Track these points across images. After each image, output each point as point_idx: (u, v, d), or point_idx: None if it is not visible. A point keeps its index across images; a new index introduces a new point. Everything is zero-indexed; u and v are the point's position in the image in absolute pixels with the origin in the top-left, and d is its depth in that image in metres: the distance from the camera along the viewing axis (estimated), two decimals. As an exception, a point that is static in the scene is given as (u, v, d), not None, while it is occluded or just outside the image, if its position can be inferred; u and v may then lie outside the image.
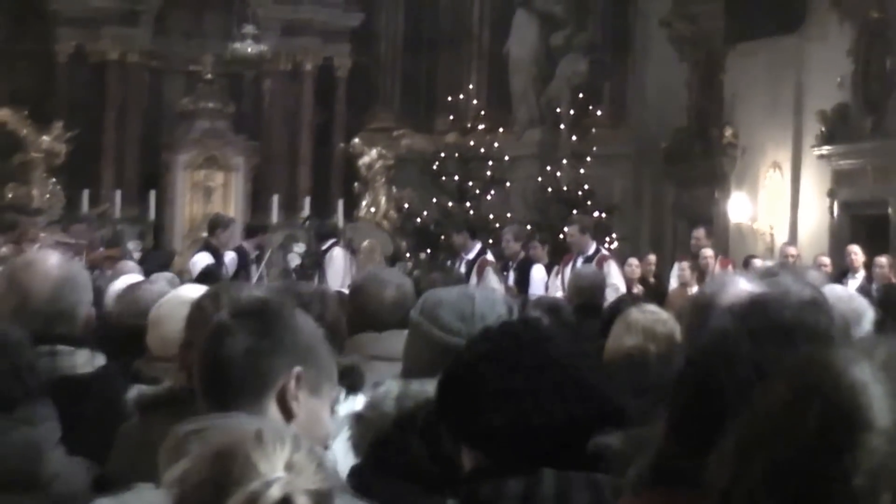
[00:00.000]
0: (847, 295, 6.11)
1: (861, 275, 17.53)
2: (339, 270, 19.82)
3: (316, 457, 2.56)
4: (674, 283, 19.32)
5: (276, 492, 2.39)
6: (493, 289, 6.70)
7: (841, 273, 17.43)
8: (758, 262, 18.13)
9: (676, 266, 19.81)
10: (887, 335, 1.66)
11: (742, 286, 4.85)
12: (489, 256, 19.36)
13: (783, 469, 1.51)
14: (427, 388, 4.14)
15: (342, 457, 4.32)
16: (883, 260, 18.10)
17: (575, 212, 22.43)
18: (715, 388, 2.79)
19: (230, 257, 19.12)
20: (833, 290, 5.76)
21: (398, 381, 4.28)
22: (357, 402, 4.61)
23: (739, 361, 2.80)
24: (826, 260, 18.88)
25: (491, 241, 21.29)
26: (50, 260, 5.63)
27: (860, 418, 1.49)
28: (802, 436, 1.51)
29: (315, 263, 21.21)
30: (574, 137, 27.11)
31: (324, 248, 20.73)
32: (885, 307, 9.19)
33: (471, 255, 19.14)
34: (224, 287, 5.10)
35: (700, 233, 20.30)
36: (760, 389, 1.62)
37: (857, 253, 18.45)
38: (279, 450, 2.48)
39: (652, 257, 21.01)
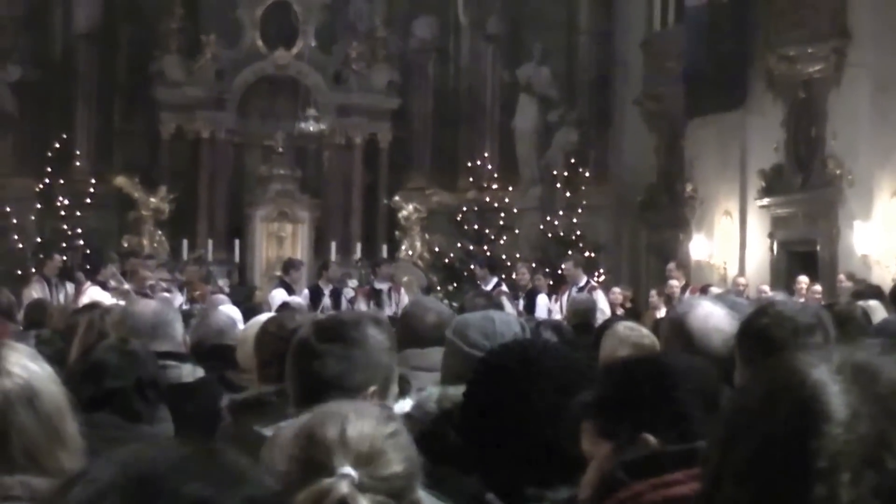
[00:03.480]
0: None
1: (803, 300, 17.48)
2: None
3: (393, 447, 2.43)
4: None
5: (341, 489, 2.26)
6: (508, 312, 6.67)
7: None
8: (713, 290, 18.11)
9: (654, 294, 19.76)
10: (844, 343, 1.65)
11: (706, 307, 4.88)
12: (503, 287, 19.33)
13: (760, 454, 1.49)
14: (461, 392, 4.13)
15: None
16: (817, 287, 18.10)
17: (570, 252, 22.40)
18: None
19: (304, 294, 19.07)
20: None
21: (438, 387, 4.26)
22: (405, 404, 4.59)
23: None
24: (766, 287, 18.82)
25: (503, 276, 21.24)
26: (151, 298, 5.67)
27: (821, 412, 1.48)
28: (775, 427, 1.50)
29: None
30: (567, 193, 27.16)
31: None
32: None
33: (489, 287, 19.09)
34: (286, 315, 5.11)
35: (672, 265, 20.29)
36: (741, 388, 1.61)
37: (803, 282, 18.36)
38: (354, 443, 2.36)
39: (628, 292, 20.66)
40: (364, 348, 3.45)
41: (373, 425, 2.41)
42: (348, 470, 2.30)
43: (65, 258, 22.76)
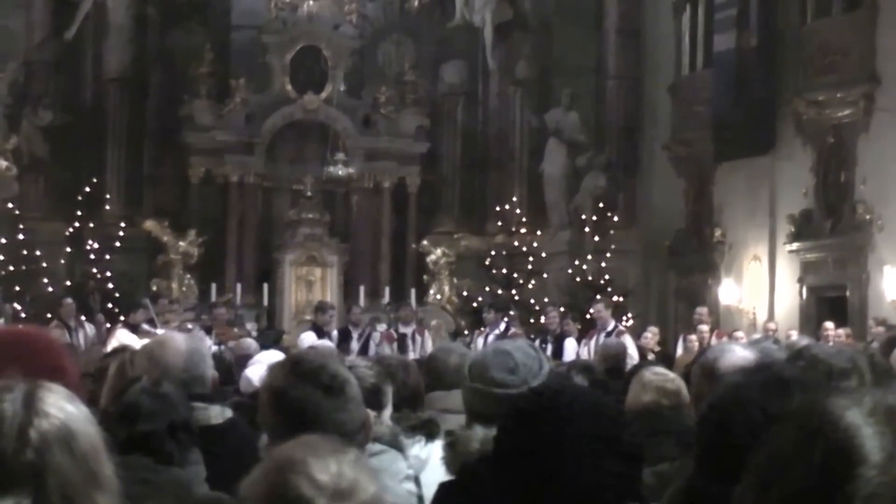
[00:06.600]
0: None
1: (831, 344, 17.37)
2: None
3: (359, 469, 2.22)
4: (679, 351, 19.06)
5: None
6: (521, 340, 6.52)
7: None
8: (739, 335, 18.09)
9: (682, 338, 19.65)
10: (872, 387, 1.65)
11: (737, 352, 4.90)
12: (514, 329, 19.24)
13: (795, 497, 1.49)
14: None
15: (437, 473, 4.30)
16: (841, 332, 18.03)
17: (598, 296, 22.34)
18: (731, 426, 2.80)
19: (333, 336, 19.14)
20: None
21: (483, 427, 4.18)
22: (435, 448, 4.56)
23: (750, 406, 2.79)
24: (793, 333, 18.71)
25: (532, 320, 21.16)
26: (178, 337, 5.67)
27: (856, 455, 1.48)
28: (810, 469, 1.50)
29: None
30: (596, 237, 27.09)
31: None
32: None
33: (499, 331, 19.06)
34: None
35: (703, 310, 20.21)
36: (774, 430, 1.61)
37: (828, 328, 18.27)
38: (329, 484, 2.16)
39: (655, 329, 20.52)
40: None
41: (335, 458, 2.21)
42: None
43: (89, 299, 22.84)
